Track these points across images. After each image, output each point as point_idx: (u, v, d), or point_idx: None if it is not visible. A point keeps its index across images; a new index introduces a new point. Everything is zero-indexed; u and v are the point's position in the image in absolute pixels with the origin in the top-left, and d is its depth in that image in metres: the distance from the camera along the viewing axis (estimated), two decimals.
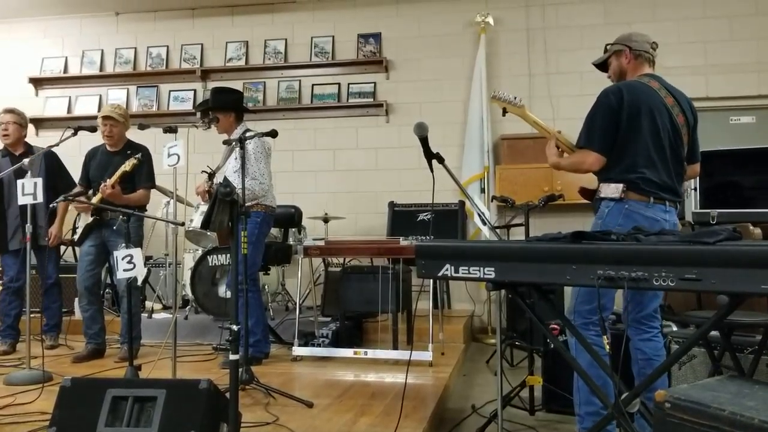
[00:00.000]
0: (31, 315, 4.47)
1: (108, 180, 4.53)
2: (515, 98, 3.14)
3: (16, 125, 5.15)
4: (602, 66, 3.24)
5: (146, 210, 4.92)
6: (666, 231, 2.47)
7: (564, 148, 3.09)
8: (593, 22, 6.69)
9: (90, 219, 4.73)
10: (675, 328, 3.65)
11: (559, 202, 4.42)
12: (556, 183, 6.13)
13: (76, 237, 4.88)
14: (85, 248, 4.80)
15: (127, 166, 4.53)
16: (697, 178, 4.40)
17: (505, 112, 3.18)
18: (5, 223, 5.13)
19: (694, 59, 6.55)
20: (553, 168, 3.18)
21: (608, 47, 3.20)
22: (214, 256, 5.75)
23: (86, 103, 7.70)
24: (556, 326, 3.51)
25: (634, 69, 3.08)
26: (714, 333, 3.19)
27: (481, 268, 2.27)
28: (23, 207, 4.94)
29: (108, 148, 4.89)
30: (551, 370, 3.77)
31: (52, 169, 5.16)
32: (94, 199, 4.63)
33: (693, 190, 4.51)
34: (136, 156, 4.56)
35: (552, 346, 3.69)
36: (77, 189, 4.90)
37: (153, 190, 5.02)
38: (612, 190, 2.90)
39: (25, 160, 4.34)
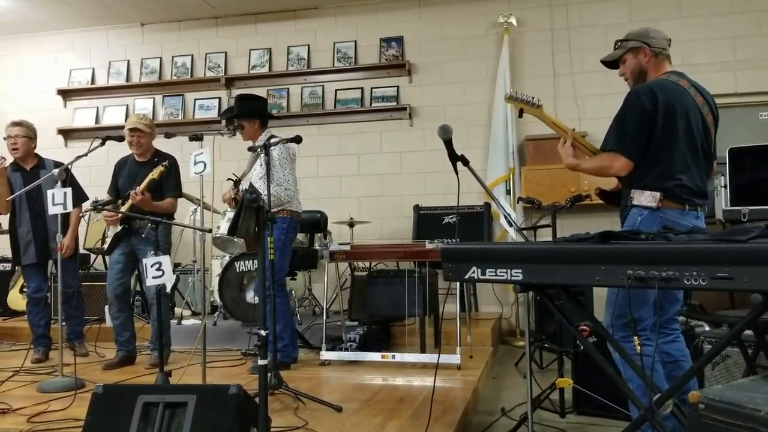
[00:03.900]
0: (63, 324, 4.53)
1: (137, 187, 4.59)
2: (533, 98, 2.98)
3: (25, 138, 5.06)
4: (612, 63, 3.08)
5: (174, 218, 4.96)
6: (696, 229, 2.43)
7: (582, 149, 2.98)
8: (618, 20, 6.61)
9: (119, 228, 4.79)
10: (707, 328, 3.59)
11: (587, 202, 4.38)
12: (583, 183, 6.06)
13: (105, 246, 4.93)
14: (114, 257, 4.86)
15: (155, 173, 4.59)
16: (727, 175, 4.35)
17: (521, 113, 3.04)
18: (17, 238, 5.12)
19: (722, 55, 6.45)
20: (569, 169, 3.02)
21: (620, 44, 3.03)
22: (242, 262, 5.79)
23: (114, 113, 7.81)
24: (585, 328, 3.46)
25: (656, 67, 2.94)
26: (748, 332, 3.12)
27: (509, 270, 2.24)
28: (34, 221, 5.03)
29: (136, 158, 4.95)
30: (581, 372, 3.73)
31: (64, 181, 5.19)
32: (124, 207, 4.68)
33: (723, 188, 4.44)
34: (163, 163, 4.62)
35: (582, 347, 3.65)
36: (106, 198, 4.95)
37: (181, 198, 5.07)
38: (647, 198, 2.77)
39: (55, 171, 4.36)
